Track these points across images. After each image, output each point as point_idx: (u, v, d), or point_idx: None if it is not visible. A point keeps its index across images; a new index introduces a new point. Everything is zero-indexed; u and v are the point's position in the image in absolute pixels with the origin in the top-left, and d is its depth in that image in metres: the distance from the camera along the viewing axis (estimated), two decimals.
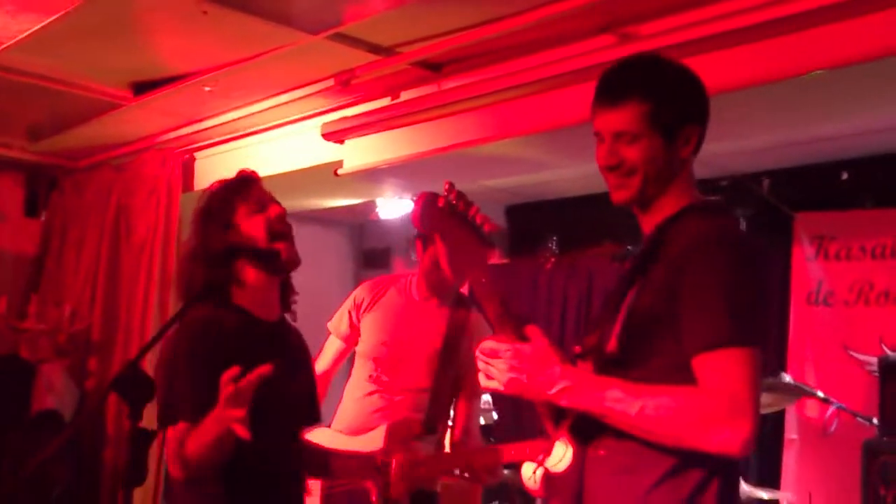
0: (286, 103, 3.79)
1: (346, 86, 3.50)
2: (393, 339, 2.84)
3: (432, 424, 2.81)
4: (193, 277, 2.07)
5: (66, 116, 4.24)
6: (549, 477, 1.59)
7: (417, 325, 2.85)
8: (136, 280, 4.55)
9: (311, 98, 3.72)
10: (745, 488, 3.58)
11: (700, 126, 1.63)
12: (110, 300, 4.68)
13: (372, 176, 4.08)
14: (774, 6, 2.55)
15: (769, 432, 4.22)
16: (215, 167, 4.48)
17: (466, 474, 2.40)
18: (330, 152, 3.92)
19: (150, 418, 1.84)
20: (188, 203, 2.12)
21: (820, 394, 3.89)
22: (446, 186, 1.60)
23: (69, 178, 5.09)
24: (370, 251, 6.41)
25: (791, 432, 4.29)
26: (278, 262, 2.07)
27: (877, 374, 3.68)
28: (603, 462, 1.56)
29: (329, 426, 2.84)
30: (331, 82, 3.52)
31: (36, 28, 3.14)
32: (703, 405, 1.42)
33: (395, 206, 5.20)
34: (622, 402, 1.46)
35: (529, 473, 1.62)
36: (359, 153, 3.81)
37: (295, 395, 2.19)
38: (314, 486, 2.62)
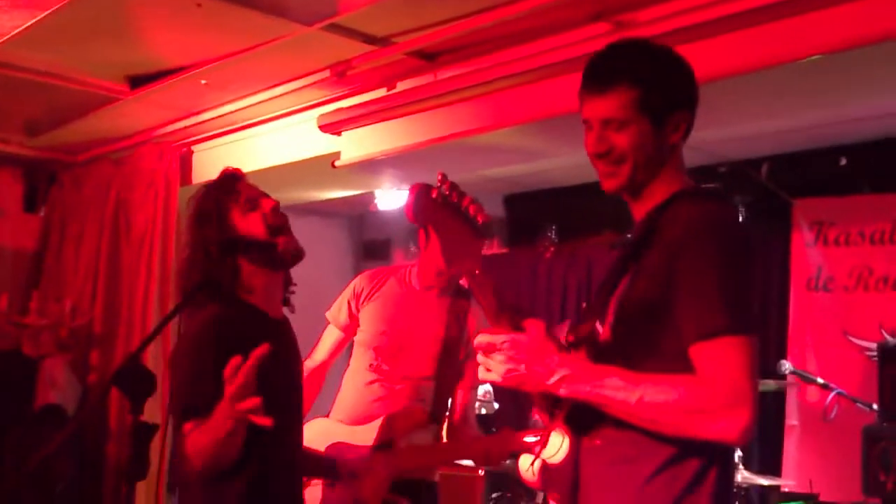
0: (282, 95, 3.79)
1: (342, 77, 3.49)
2: (393, 328, 2.84)
3: (438, 414, 2.82)
4: (193, 278, 2.06)
5: (63, 111, 4.24)
6: (546, 468, 1.58)
7: (417, 314, 2.85)
8: (136, 274, 4.56)
9: (307, 90, 3.71)
10: (747, 475, 3.59)
11: (689, 111, 1.61)
12: (111, 294, 4.69)
13: (369, 167, 4.08)
14: None
15: (770, 419, 4.23)
16: (213, 160, 4.48)
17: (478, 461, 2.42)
18: (327, 144, 3.91)
19: (151, 412, 1.84)
20: (186, 196, 2.13)
21: (819, 380, 3.89)
22: (440, 177, 1.59)
23: (68, 173, 5.09)
24: (370, 242, 6.41)
25: (792, 419, 4.30)
26: (280, 255, 2.07)
27: (876, 359, 3.68)
28: (599, 452, 1.56)
29: (327, 416, 2.84)
30: (326, 73, 3.51)
31: (31, 23, 3.14)
32: (702, 393, 1.42)
33: (393, 197, 5.19)
34: (622, 390, 1.45)
35: (527, 465, 1.61)
36: (356, 144, 3.81)
37: (299, 389, 2.23)
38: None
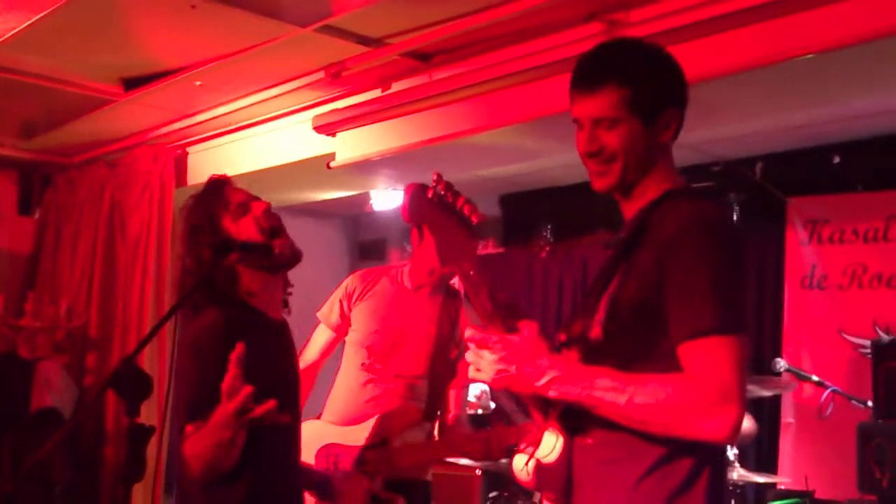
0: (277, 96, 3.79)
1: (337, 78, 3.49)
2: (385, 327, 2.84)
3: (431, 412, 2.82)
4: (190, 285, 2.05)
5: (57, 113, 4.24)
6: (540, 468, 1.58)
7: (409, 313, 2.85)
8: (131, 276, 4.56)
9: (301, 91, 3.72)
10: (743, 473, 3.60)
11: (679, 110, 1.61)
12: (107, 296, 4.69)
13: (364, 168, 4.08)
14: None
15: (766, 418, 4.24)
16: (208, 162, 4.48)
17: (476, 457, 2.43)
18: (322, 145, 3.91)
19: (148, 414, 1.84)
20: (181, 198, 2.12)
21: (815, 378, 3.90)
22: (434, 177, 1.59)
23: (62, 176, 5.08)
24: (365, 243, 6.41)
25: (787, 416, 4.31)
26: (277, 258, 2.06)
27: (870, 356, 3.69)
28: (591, 451, 1.56)
29: (318, 417, 2.84)
30: (321, 75, 3.51)
31: (24, 25, 3.14)
32: (691, 393, 1.42)
33: (388, 198, 5.19)
34: (611, 391, 1.45)
35: (521, 465, 1.61)
36: (351, 145, 3.81)
37: (298, 391, 2.24)
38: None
